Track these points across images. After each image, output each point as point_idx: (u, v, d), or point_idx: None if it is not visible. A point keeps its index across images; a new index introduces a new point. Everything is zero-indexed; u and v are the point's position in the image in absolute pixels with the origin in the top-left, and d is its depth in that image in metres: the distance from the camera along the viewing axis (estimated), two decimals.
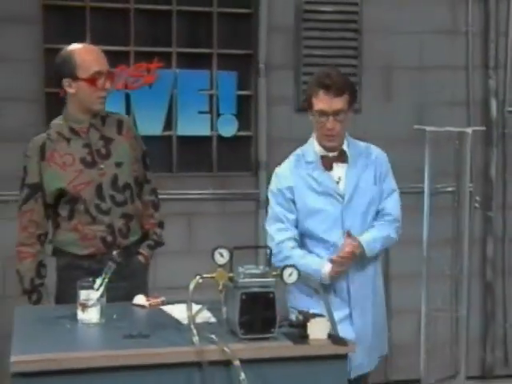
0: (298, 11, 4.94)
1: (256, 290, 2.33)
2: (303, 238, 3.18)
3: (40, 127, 4.61)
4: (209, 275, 2.41)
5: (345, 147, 3.19)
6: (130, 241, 3.22)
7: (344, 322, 3.06)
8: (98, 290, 2.55)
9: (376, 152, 3.24)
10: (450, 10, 5.14)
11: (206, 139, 4.88)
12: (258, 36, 4.87)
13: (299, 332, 2.36)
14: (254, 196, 4.90)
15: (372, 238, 3.14)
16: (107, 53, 4.62)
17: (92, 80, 3.08)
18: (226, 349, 2.24)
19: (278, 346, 2.31)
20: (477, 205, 5.10)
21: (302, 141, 4.94)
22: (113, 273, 2.65)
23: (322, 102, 3.10)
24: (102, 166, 3.14)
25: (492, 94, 5.17)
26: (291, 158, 3.26)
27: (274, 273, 2.40)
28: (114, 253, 2.80)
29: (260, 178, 4.91)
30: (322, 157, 3.18)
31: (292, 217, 3.16)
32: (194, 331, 2.26)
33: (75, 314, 2.54)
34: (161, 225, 3.41)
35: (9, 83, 4.56)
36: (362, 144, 3.26)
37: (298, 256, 3.10)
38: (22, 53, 4.58)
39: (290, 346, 2.32)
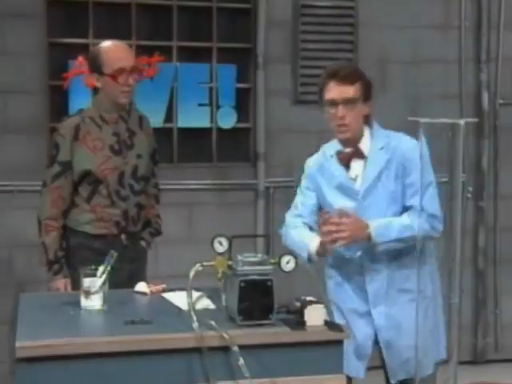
0: (296, 6, 4.92)
1: (254, 277, 2.33)
2: None
3: (44, 119, 4.64)
4: (208, 263, 2.41)
5: (362, 143, 3.00)
6: (139, 228, 3.35)
7: (363, 318, 2.98)
8: (100, 277, 2.55)
9: (402, 145, 2.98)
10: (444, 5, 5.13)
11: (205, 131, 4.87)
12: (257, 30, 4.86)
13: (296, 318, 2.36)
14: (253, 186, 4.90)
15: (386, 222, 2.90)
16: None
17: (115, 76, 3.18)
18: (225, 335, 2.24)
19: (275, 332, 2.31)
20: (469, 195, 5.11)
21: (300, 132, 4.97)
22: (118, 255, 2.67)
23: (331, 91, 2.97)
24: (126, 156, 3.27)
25: (484, 86, 5.17)
26: (319, 151, 3.16)
27: (272, 261, 2.39)
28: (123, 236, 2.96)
29: (258, 169, 4.91)
30: (338, 152, 3.04)
31: (310, 202, 3.07)
32: (194, 318, 2.25)
33: (78, 301, 2.53)
34: (159, 216, 3.52)
35: (14, 76, 4.55)
36: (392, 135, 3.04)
37: (297, 233, 3.02)
38: (27, 47, 4.57)
39: (288, 332, 2.32)
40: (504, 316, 5.26)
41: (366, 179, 2.97)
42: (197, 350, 2.23)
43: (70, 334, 2.27)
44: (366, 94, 3.00)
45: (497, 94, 5.18)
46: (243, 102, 4.94)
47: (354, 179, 3.01)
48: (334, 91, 2.97)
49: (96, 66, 3.23)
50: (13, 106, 4.57)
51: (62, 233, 3.28)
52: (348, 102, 2.95)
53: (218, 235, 2.47)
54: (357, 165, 3.01)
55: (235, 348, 2.22)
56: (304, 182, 3.14)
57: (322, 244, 2.91)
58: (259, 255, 2.42)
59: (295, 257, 2.44)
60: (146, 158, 3.35)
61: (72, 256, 3.26)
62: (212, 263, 2.40)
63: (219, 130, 4.87)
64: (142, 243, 3.37)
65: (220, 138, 4.89)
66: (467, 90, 5.15)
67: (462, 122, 2.52)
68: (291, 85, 4.95)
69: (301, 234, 3.02)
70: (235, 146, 4.94)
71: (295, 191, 3.19)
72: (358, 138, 3.01)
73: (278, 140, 4.93)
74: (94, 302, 2.52)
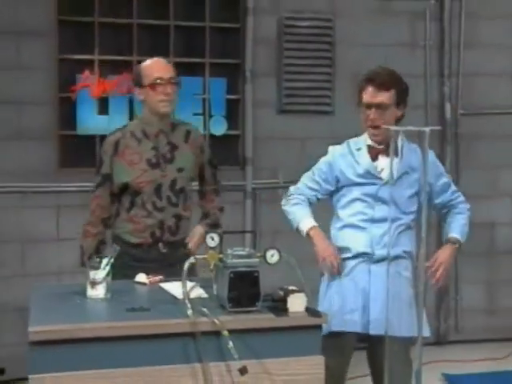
0: (280, 26, 4.91)
1: (243, 269, 2.31)
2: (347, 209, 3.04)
3: (54, 127, 4.61)
4: (201, 256, 2.39)
5: (394, 142, 2.97)
6: (178, 238, 3.15)
7: (354, 313, 2.96)
8: (104, 269, 2.53)
9: (431, 156, 2.98)
10: (411, 26, 5.13)
11: None
12: (245, 47, 4.86)
13: (280, 306, 2.34)
14: (242, 188, 4.88)
15: (461, 225, 3.07)
16: (113, 62, 4.69)
17: (153, 86, 3.04)
18: (216, 320, 2.22)
19: (261, 318, 2.29)
20: None
21: (284, 139, 4.97)
22: (157, 261, 2.70)
23: (368, 94, 2.94)
24: (164, 169, 3.10)
25: (446, 98, 5.18)
26: (344, 144, 3.10)
27: (259, 254, 2.38)
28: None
29: (247, 172, 4.89)
30: (369, 146, 3.01)
31: (317, 187, 3.07)
32: (189, 305, 2.23)
33: (85, 291, 2.51)
34: (221, 209, 3.35)
35: (27, 89, 4.52)
36: (413, 144, 3.05)
37: (296, 209, 3.05)
38: (39, 62, 4.55)
39: (272, 318, 2.30)
40: (464, 302, 5.28)
41: (393, 171, 2.93)
42: (191, 335, 2.22)
43: (77, 321, 2.24)
44: (400, 100, 2.98)
45: (458, 105, 5.20)
46: (233, 112, 4.93)
47: (380, 172, 2.99)
48: (370, 95, 2.95)
49: (138, 80, 3.09)
50: (26, 115, 4.54)
51: (101, 239, 3.16)
52: (381, 107, 2.93)
53: (211, 231, 2.46)
54: (384, 159, 2.99)
55: (225, 332, 2.20)
56: (321, 169, 3.08)
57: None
58: (247, 249, 2.40)
59: (279, 250, 2.43)
60: (188, 171, 3.15)
61: (114, 260, 3.18)
62: (205, 256, 2.39)
63: (211, 136, 4.85)
64: (184, 250, 3.11)
65: (212, 144, 4.84)
66: (432, 101, 5.16)
67: (427, 129, 2.52)
68: (276, 96, 4.94)
69: (298, 209, 3.06)
70: (226, 151, 4.93)
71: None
72: (389, 137, 2.94)
73: (264, 146, 4.92)
74: (98, 292, 2.50)
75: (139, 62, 4.66)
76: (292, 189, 3.15)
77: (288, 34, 4.92)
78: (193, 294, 2.43)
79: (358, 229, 3.00)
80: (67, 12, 4.60)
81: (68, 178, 4.60)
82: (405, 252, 3.02)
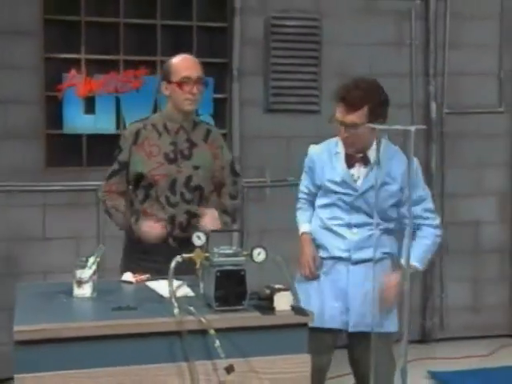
0: (267, 26, 4.91)
1: (229, 267, 2.30)
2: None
3: (40, 126, 4.58)
4: (188, 255, 2.38)
5: (370, 152, 2.96)
6: (190, 235, 2.98)
7: (333, 309, 2.97)
8: (90, 268, 2.51)
9: (404, 158, 2.92)
10: (396, 25, 5.14)
11: None
12: (232, 47, 4.85)
13: (266, 304, 2.34)
14: None
15: (423, 250, 2.97)
16: (99, 61, 4.66)
17: (180, 84, 3.05)
18: (202, 319, 2.21)
19: (248, 317, 2.29)
20: None
21: (270, 138, 4.96)
22: (165, 254, 2.64)
23: (339, 112, 2.90)
24: (181, 165, 3.09)
25: (432, 97, 5.19)
26: (324, 144, 3.09)
27: (245, 253, 2.37)
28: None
29: None
30: (347, 154, 2.99)
31: (311, 190, 3.12)
32: (175, 304, 2.23)
33: (71, 290, 2.49)
34: (234, 206, 3.24)
35: (13, 88, 4.49)
36: (394, 149, 3.00)
37: (298, 214, 3.17)
38: (26, 61, 4.52)
39: (259, 316, 2.30)
40: (449, 300, 5.30)
41: (366, 182, 2.95)
42: (177, 334, 2.21)
43: (63, 320, 2.23)
44: (375, 115, 2.86)
45: (443, 104, 5.21)
46: (220, 111, 4.92)
47: (356, 180, 2.98)
48: (340, 114, 2.90)
49: (166, 75, 3.09)
50: (12, 114, 4.51)
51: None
52: (351, 126, 2.88)
53: (197, 230, 2.45)
54: (360, 169, 2.98)
55: (212, 331, 2.19)
56: (306, 173, 3.14)
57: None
58: (233, 248, 2.40)
59: (265, 249, 2.42)
60: (204, 170, 3.12)
61: (125, 254, 3.17)
62: (191, 255, 2.38)
63: None
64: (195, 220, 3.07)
65: None
66: (417, 100, 5.17)
67: (412, 128, 2.52)
68: (263, 95, 4.94)
69: (299, 217, 3.17)
70: None
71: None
72: (366, 147, 2.94)
73: (251, 145, 4.92)
74: (84, 291, 2.48)
75: (126, 62, 4.75)
76: (298, 196, 3.23)
77: (275, 34, 4.91)
78: (179, 293, 2.42)
79: (334, 234, 3.01)
80: (53, 11, 4.57)
81: (55, 177, 4.57)
82: (384, 253, 3.01)
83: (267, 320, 2.29)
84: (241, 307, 2.30)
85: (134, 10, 4.74)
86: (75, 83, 4.60)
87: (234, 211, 3.24)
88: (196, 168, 3.11)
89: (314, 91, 4.97)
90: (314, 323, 2.84)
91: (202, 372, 2.23)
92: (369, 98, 2.88)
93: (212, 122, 4.83)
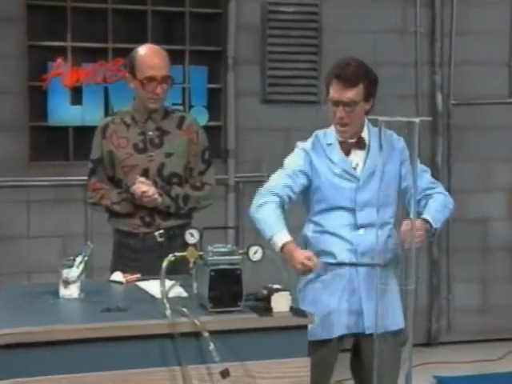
0: (263, 11, 4.90)
1: (224, 266, 2.31)
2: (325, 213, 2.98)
3: (24, 118, 4.57)
4: (180, 253, 2.38)
5: (364, 134, 2.97)
6: (173, 223, 3.16)
7: (342, 315, 2.94)
8: (78, 267, 2.51)
9: (395, 138, 2.98)
10: (401, 11, 5.14)
11: None
12: (227, 34, 4.84)
13: (263, 305, 2.35)
14: (224, 181, 4.87)
15: (436, 208, 2.95)
16: (87, 49, 4.66)
17: (144, 83, 3.09)
18: (196, 321, 2.22)
19: (244, 318, 2.30)
20: None
21: (267, 130, 4.97)
22: (154, 252, 2.78)
23: (334, 91, 2.87)
24: (151, 154, 3.15)
25: (438, 88, 5.19)
26: (312, 138, 3.04)
27: (241, 251, 2.38)
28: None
29: (229, 165, 4.89)
30: (341, 142, 2.97)
31: (295, 184, 2.94)
32: (167, 305, 2.23)
33: (57, 290, 2.50)
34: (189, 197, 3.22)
35: None
36: (387, 132, 2.93)
37: (269, 215, 2.85)
38: (7, 49, 4.51)
39: (256, 318, 2.30)
40: (456, 301, 5.31)
41: (367, 168, 2.94)
42: (169, 336, 2.21)
43: (49, 322, 2.23)
44: (369, 94, 2.90)
45: (450, 94, 5.22)
46: (214, 102, 4.91)
47: (355, 167, 2.97)
48: (337, 92, 2.88)
49: (131, 68, 3.14)
50: None
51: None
52: (349, 104, 2.88)
53: (190, 227, 2.46)
54: (358, 154, 2.97)
55: (206, 334, 2.20)
56: (295, 165, 2.97)
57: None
58: (229, 246, 2.40)
59: (262, 247, 2.43)
60: (178, 156, 3.17)
61: (113, 253, 3.22)
62: (184, 253, 2.38)
63: None
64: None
65: None
66: (422, 91, 5.18)
67: (417, 120, 2.53)
68: (259, 85, 4.93)
69: (271, 218, 2.85)
70: None
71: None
72: (359, 131, 2.95)
73: (247, 137, 4.92)
74: (71, 291, 2.49)
75: (115, 50, 4.74)
76: (262, 191, 2.98)
77: (272, 20, 4.91)
78: (172, 293, 2.43)
79: (340, 238, 2.94)
80: None
81: (39, 171, 4.57)
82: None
83: (264, 322, 2.30)
84: (236, 308, 2.31)
85: None
86: (61, 72, 4.59)
87: (186, 199, 3.18)
88: (169, 155, 3.17)
89: (313, 81, 4.98)
90: (322, 336, 2.85)
91: (196, 377, 2.24)
92: (365, 74, 2.90)
93: (206, 114, 4.86)
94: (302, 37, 4.96)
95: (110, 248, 3.25)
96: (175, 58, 4.76)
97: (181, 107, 4.78)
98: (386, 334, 2.80)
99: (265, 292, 2.37)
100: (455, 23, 5.17)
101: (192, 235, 2.42)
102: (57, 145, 4.67)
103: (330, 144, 3.00)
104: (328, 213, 2.97)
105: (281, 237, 2.80)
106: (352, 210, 2.95)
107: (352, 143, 2.98)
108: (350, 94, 2.86)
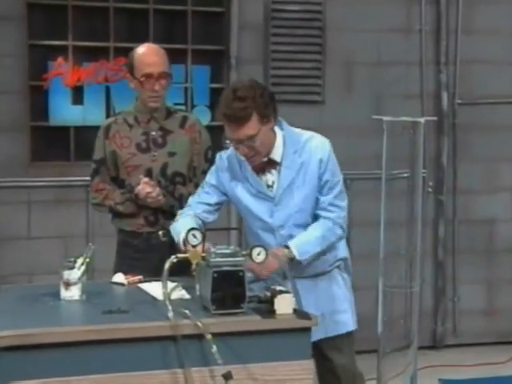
0: (267, 10, 4.90)
1: (227, 268, 2.32)
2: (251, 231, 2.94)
3: (25, 118, 4.58)
4: (183, 255, 2.39)
5: (274, 152, 2.81)
6: None
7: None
8: (79, 269, 2.52)
9: (314, 146, 2.83)
10: (405, 10, 5.14)
11: None
12: (230, 33, 4.84)
13: (267, 307, 2.35)
14: None
15: (305, 239, 2.77)
16: (88, 48, 4.66)
17: (142, 82, 3.13)
18: (198, 323, 2.22)
19: (247, 321, 2.30)
20: (429, 189, 5.13)
21: None
22: (158, 251, 2.81)
23: (229, 131, 2.73)
24: (154, 154, 3.18)
25: (443, 87, 5.19)
26: (230, 150, 2.92)
27: (244, 252, 2.38)
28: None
29: None
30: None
31: (209, 201, 2.91)
32: (169, 307, 2.24)
33: (58, 292, 2.50)
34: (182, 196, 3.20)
35: None
36: (302, 138, 2.86)
37: (183, 221, 2.80)
38: (8, 48, 4.52)
39: (259, 320, 2.31)
40: (462, 303, 5.30)
41: (281, 185, 2.82)
42: (172, 338, 2.22)
43: (50, 324, 2.23)
44: (265, 116, 2.73)
45: (455, 94, 5.21)
46: (217, 102, 4.85)
47: (271, 186, 2.85)
48: (232, 133, 2.74)
49: (130, 68, 3.19)
50: None
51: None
52: (248, 139, 2.73)
53: (192, 228, 2.46)
54: (271, 172, 2.86)
55: (208, 336, 2.20)
56: (212, 179, 2.93)
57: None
58: (231, 247, 2.41)
59: (265, 248, 2.43)
60: (181, 155, 3.20)
61: (117, 254, 3.24)
62: (186, 255, 2.38)
63: None
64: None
65: None
66: (428, 90, 5.17)
67: (422, 120, 2.54)
68: None
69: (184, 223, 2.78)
70: None
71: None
72: (269, 150, 2.82)
73: None
74: (72, 293, 2.49)
75: (116, 49, 4.74)
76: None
77: (275, 19, 4.91)
78: (174, 295, 2.43)
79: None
80: None
81: (40, 172, 4.57)
82: (338, 260, 2.93)
83: (267, 324, 2.30)
84: (239, 310, 2.31)
85: None
86: (62, 72, 4.60)
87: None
88: (172, 154, 3.20)
89: (316, 80, 4.98)
90: None
91: (198, 379, 2.24)
92: (253, 104, 2.71)
93: (208, 114, 4.86)
94: (306, 36, 4.96)
95: (112, 249, 3.26)
96: (177, 57, 4.80)
97: (183, 107, 4.79)
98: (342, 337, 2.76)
99: (268, 294, 2.38)
100: (461, 21, 5.17)
101: (195, 236, 2.42)
102: (58, 145, 4.68)
103: (243, 160, 2.85)
104: (250, 232, 2.96)
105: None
106: (271, 234, 2.86)
107: (263, 164, 2.84)
108: (246, 131, 2.71)
